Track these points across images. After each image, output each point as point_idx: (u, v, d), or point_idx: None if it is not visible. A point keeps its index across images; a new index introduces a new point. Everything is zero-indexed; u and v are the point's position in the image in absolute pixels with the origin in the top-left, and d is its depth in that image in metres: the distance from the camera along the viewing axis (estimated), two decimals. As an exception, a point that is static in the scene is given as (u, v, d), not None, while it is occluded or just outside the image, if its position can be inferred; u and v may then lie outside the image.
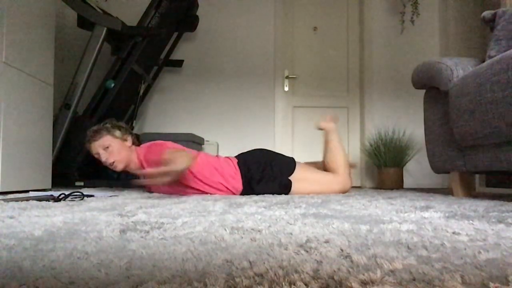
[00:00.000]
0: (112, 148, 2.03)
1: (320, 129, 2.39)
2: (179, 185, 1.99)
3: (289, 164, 2.14)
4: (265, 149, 2.22)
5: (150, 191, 2.20)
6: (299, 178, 2.10)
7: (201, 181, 2.00)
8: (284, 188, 2.06)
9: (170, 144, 2.04)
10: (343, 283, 0.44)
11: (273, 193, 2.03)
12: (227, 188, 2.03)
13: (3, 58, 2.08)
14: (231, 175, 2.04)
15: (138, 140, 2.27)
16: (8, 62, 2.12)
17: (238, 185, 2.04)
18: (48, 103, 2.59)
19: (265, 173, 2.07)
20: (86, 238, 0.72)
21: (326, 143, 2.33)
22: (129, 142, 2.09)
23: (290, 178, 2.09)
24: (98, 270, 0.50)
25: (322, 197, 1.82)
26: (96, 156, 2.07)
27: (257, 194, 2.02)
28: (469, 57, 2.03)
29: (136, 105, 3.34)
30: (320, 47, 3.97)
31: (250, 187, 2.04)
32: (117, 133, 2.07)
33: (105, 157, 2.03)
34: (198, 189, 2.02)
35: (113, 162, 2.02)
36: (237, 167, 2.07)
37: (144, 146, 2.11)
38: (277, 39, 3.87)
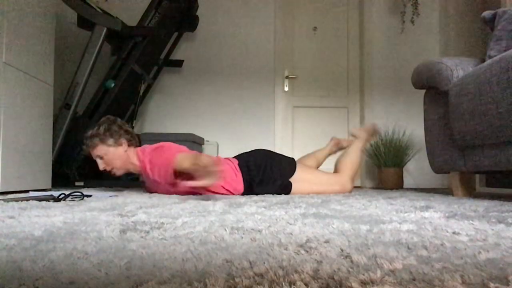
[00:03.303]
0: (107, 157, 2.00)
1: (353, 136, 2.45)
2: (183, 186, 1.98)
3: (290, 165, 2.13)
4: (266, 150, 2.21)
5: (150, 192, 2.18)
6: (299, 179, 2.10)
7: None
8: (284, 189, 2.06)
9: (174, 146, 2.00)
10: (343, 283, 0.44)
11: (273, 194, 2.03)
12: (228, 191, 2.02)
13: (3, 58, 2.08)
14: (232, 177, 2.03)
15: (138, 139, 2.24)
16: (8, 62, 2.12)
17: (240, 187, 2.03)
18: (48, 103, 2.59)
19: (266, 175, 2.06)
20: (86, 238, 0.72)
21: (349, 146, 2.42)
22: (124, 146, 2.04)
23: (290, 179, 2.09)
24: (98, 270, 0.50)
25: (322, 197, 1.82)
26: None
27: (257, 194, 2.01)
28: (469, 57, 2.03)
29: (136, 105, 3.34)
30: (320, 47, 3.97)
31: (251, 188, 2.04)
32: (110, 141, 2.01)
33: (102, 166, 2.02)
34: (199, 191, 2.01)
35: (111, 169, 2.02)
36: (238, 168, 2.05)
37: (147, 149, 2.05)
38: (277, 39, 3.87)
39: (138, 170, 2.06)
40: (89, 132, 2.03)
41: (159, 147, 2.00)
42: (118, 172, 2.04)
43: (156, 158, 1.95)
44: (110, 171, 2.03)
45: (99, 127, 2.02)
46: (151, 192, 2.17)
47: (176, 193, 2.02)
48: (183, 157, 1.80)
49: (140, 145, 2.17)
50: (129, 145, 2.05)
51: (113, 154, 2.00)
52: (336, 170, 2.31)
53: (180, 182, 1.82)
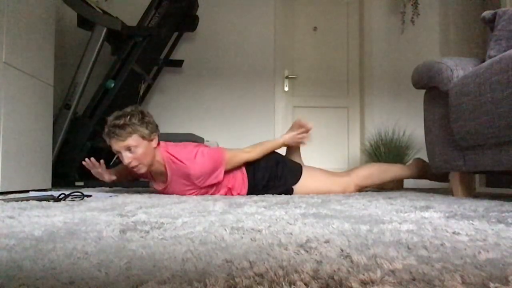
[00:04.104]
0: (138, 150, 1.74)
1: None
2: (194, 186, 1.92)
3: (295, 173, 2.10)
4: (276, 153, 2.15)
5: (163, 192, 2.03)
6: (302, 184, 2.10)
7: (217, 182, 1.96)
8: (286, 193, 2.07)
9: (203, 146, 1.95)
10: (343, 283, 0.44)
11: (273, 194, 2.03)
12: (232, 194, 2.03)
13: (3, 58, 2.08)
14: (239, 181, 2.02)
15: None
16: (8, 62, 2.12)
17: (244, 191, 2.04)
18: (48, 103, 2.59)
19: (270, 182, 2.06)
20: (86, 238, 0.72)
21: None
22: (155, 142, 1.81)
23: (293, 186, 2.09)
24: (98, 270, 0.50)
25: (322, 197, 1.82)
26: (115, 152, 1.79)
27: (257, 195, 2.02)
28: (469, 57, 2.03)
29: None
30: (320, 47, 3.97)
31: (253, 192, 2.05)
32: (145, 132, 1.75)
33: (128, 160, 1.74)
34: (207, 191, 1.98)
35: (137, 165, 1.77)
36: (245, 173, 2.03)
37: (169, 148, 1.86)
38: (277, 39, 3.87)
39: (161, 170, 1.89)
40: (120, 121, 1.73)
41: (197, 153, 1.85)
42: (143, 169, 1.79)
43: (203, 163, 1.84)
44: (133, 167, 1.78)
45: (131, 116, 1.75)
46: (163, 192, 2.02)
47: (180, 192, 1.96)
48: (236, 155, 1.95)
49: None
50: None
51: (145, 148, 1.76)
52: (350, 170, 2.31)
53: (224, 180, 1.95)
